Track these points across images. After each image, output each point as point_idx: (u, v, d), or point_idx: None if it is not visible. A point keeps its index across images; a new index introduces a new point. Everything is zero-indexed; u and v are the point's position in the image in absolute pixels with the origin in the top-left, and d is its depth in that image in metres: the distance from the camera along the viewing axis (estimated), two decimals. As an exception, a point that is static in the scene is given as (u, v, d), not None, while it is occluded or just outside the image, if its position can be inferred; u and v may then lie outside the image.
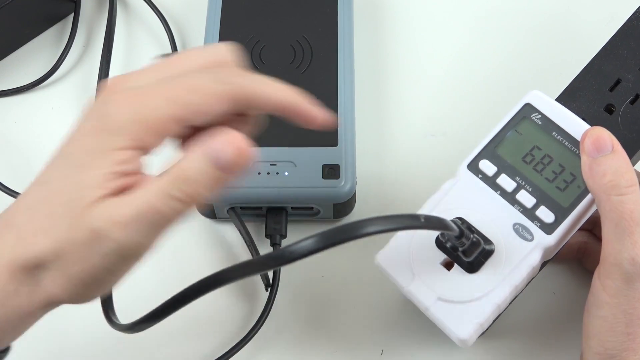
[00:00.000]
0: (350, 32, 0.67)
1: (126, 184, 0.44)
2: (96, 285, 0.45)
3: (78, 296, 0.46)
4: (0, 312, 0.44)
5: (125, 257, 0.44)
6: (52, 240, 0.44)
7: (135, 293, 0.60)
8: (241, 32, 0.67)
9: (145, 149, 0.45)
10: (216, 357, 0.58)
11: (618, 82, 0.55)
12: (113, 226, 0.43)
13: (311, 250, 0.42)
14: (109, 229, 0.43)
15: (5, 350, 0.48)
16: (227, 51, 0.49)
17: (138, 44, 0.73)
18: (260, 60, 0.66)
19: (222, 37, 0.67)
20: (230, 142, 0.44)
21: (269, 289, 0.60)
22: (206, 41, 0.67)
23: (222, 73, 0.46)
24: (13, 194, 0.65)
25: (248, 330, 0.59)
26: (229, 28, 0.68)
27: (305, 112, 0.49)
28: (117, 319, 0.56)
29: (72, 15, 0.73)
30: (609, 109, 0.54)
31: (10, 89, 0.70)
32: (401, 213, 0.46)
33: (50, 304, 0.46)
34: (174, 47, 0.71)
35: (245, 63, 0.49)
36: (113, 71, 0.70)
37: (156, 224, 0.44)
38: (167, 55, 0.51)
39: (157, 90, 0.45)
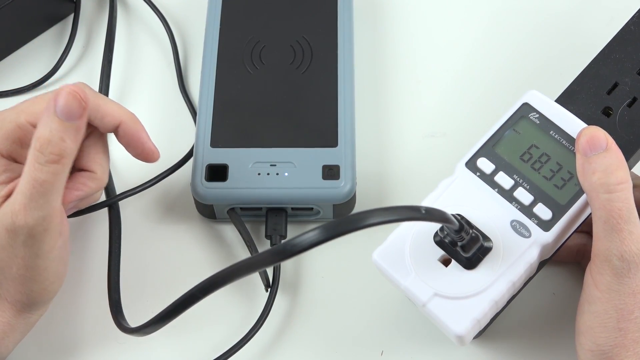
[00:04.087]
0: (350, 32, 0.68)
1: (13, 187, 0.51)
2: (38, 274, 0.52)
3: (28, 299, 0.53)
4: None
5: (39, 236, 0.51)
6: None
7: (136, 294, 0.61)
8: (241, 32, 0.67)
9: (10, 156, 0.54)
10: (216, 357, 0.58)
11: (616, 85, 0.55)
12: (16, 215, 0.49)
13: (314, 243, 0.42)
14: (15, 219, 0.49)
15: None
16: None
17: (138, 44, 0.73)
18: (260, 60, 0.66)
19: (222, 37, 0.67)
20: (62, 90, 0.50)
21: (269, 289, 0.60)
22: (206, 41, 0.67)
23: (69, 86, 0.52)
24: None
25: (248, 330, 0.59)
26: (229, 28, 0.68)
27: (137, 136, 0.56)
28: (126, 322, 0.56)
29: (72, 16, 0.73)
30: (607, 112, 0.55)
31: (10, 89, 0.70)
32: (402, 205, 0.46)
33: (21, 312, 0.53)
34: (174, 47, 0.71)
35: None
36: (114, 71, 0.70)
37: (46, 193, 0.50)
38: None
39: (10, 107, 0.54)
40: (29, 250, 0.51)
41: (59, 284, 0.54)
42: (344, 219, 0.43)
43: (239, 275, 0.45)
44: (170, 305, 0.48)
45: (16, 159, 0.54)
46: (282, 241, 0.61)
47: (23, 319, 0.54)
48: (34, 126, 0.52)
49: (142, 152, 0.57)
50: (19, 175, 0.51)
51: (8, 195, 0.51)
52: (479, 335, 0.57)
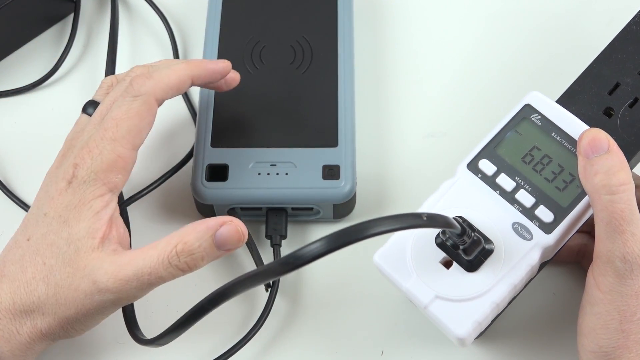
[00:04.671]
0: (350, 32, 0.68)
1: (110, 229, 0.52)
2: (83, 325, 0.53)
3: (65, 334, 0.53)
4: (6, 348, 0.52)
5: (118, 305, 0.53)
6: (52, 286, 0.51)
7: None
8: (241, 32, 0.67)
9: (116, 186, 0.54)
10: (216, 357, 0.58)
11: (617, 85, 0.55)
12: (115, 282, 0.50)
13: (318, 254, 0.43)
14: (111, 284, 0.50)
15: None
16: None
17: (139, 44, 0.73)
18: (260, 60, 0.66)
19: (222, 37, 0.67)
20: (236, 229, 0.50)
21: (269, 289, 0.60)
22: (206, 41, 0.67)
23: (131, 88, 0.55)
24: (13, 197, 0.65)
25: (248, 330, 0.59)
26: (229, 28, 0.68)
27: (209, 73, 0.58)
28: (142, 334, 0.57)
29: (72, 15, 0.73)
30: (608, 113, 0.55)
31: (10, 89, 0.70)
32: (406, 212, 0.46)
33: (46, 340, 0.53)
34: (175, 47, 0.71)
35: None
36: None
37: (154, 284, 0.51)
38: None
39: (98, 137, 0.53)
40: (99, 310, 0.52)
41: None
42: (347, 229, 0.43)
43: (246, 288, 0.46)
44: (181, 317, 0.49)
45: (110, 186, 0.53)
46: (283, 241, 0.61)
47: (45, 345, 0.54)
48: (134, 148, 0.54)
49: (220, 78, 0.60)
50: (113, 214, 0.53)
51: (104, 237, 0.52)
52: (479, 335, 0.57)
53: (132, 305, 0.58)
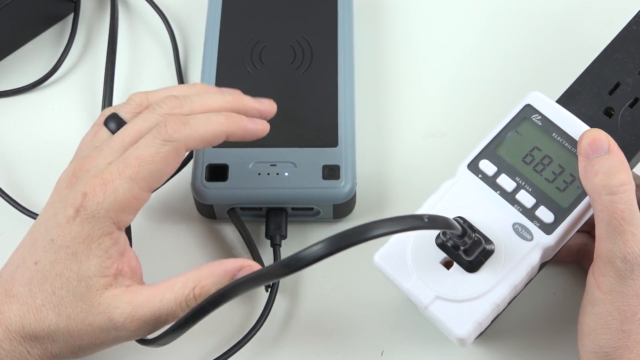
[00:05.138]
0: (350, 32, 0.68)
1: (121, 265, 0.52)
2: (94, 351, 0.53)
3: (75, 356, 0.53)
4: None
5: (133, 339, 0.52)
6: (63, 318, 0.51)
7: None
8: (241, 32, 0.67)
9: (125, 224, 0.52)
10: (216, 357, 0.58)
11: (617, 85, 0.55)
12: (132, 322, 0.50)
13: (320, 256, 0.43)
14: (128, 324, 0.50)
15: None
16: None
17: (140, 44, 0.73)
18: (260, 61, 0.66)
19: (222, 37, 0.67)
20: (251, 269, 0.51)
21: (269, 289, 0.60)
22: (206, 41, 0.67)
23: (164, 131, 0.52)
24: (11, 200, 0.64)
25: (248, 330, 0.59)
26: (229, 28, 0.68)
27: (244, 134, 0.55)
28: None
29: (72, 15, 0.73)
30: (609, 112, 0.55)
31: (10, 89, 0.70)
32: (407, 214, 0.46)
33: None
34: (175, 47, 0.71)
35: None
36: (118, 72, 0.70)
37: (170, 322, 0.51)
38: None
39: (116, 171, 0.51)
40: (112, 342, 0.52)
41: None
42: (349, 231, 0.43)
43: (247, 289, 0.46)
44: (182, 318, 0.49)
45: (119, 225, 0.52)
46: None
47: None
48: (150, 190, 0.52)
49: (255, 137, 0.56)
50: (123, 250, 0.52)
51: (116, 274, 0.51)
52: (479, 335, 0.57)
53: None
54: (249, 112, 0.57)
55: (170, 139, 0.52)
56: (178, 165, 0.53)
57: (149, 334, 0.52)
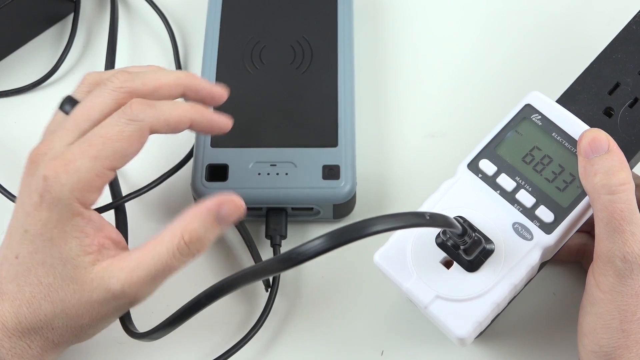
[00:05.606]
0: (350, 32, 0.68)
1: (102, 240, 0.51)
2: (96, 329, 0.53)
3: (77, 340, 0.53)
4: None
5: (134, 305, 0.52)
6: (58, 303, 0.51)
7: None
8: (241, 32, 0.67)
9: (91, 203, 0.52)
10: (216, 357, 0.58)
11: (617, 85, 0.55)
12: (131, 286, 0.50)
13: (319, 251, 0.43)
14: (127, 289, 0.50)
15: None
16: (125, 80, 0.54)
17: (139, 44, 0.73)
18: (260, 61, 0.66)
19: (222, 37, 0.67)
20: (235, 205, 0.51)
21: (269, 289, 0.60)
22: (206, 41, 0.67)
23: (129, 111, 0.52)
24: (13, 198, 0.65)
25: (248, 330, 0.59)
26: (229, 28, 0.68)
27: (209, 124, 0.55)
28: (134, 327, 0.57)
29: (72, 15, 0.73)
30: (608, 112, 0.55)
31: (10, 89, 0.70)
32: (406, 211, 0.46)
33: (58, 349, 0.53)
34: (175, 46, 0.71)
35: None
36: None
37: (167, 277, 0.51)
38: (66, 105, 0.55)
39: (78, 151, 0.51)
40: (114, 313, 0.52)
41: None
42: (349, 227, 0.43)
43: (245, 283, 0.46)
44: (177, 311, 0.49)
45: (85, 204, 0.52)
46: (284, 241, 0.61)
47: (57, 354, 0.54)
48: (113, 169, 0.52)
49: (217, 130, 0.57)
50: (99, 226, 0.52)
51: (99, 249, 0.51)
52: (479, 335, 0.57)
53: None
54: (200, 91, 0.56)
55: (135, 118, 0.51)
56: (142, 147, 0.53)
57: (149, 294, 0.51)
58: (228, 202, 0.50)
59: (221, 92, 0.57)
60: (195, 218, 0.50)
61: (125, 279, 0.50)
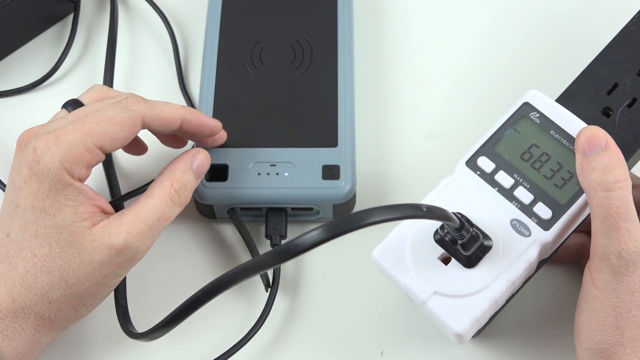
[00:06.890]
0: (350, 32, 0.68)
1: (96, 207, 0.53)
2: (95, 297, 0.54)
3: (75, 315, 0.54)
4: (10, 347, 0.51)
5: (135, 261, 0.54)
6: (55, 272, 0.52)
7: (136, 294, 0.60)
8: (241, 32, 0.67)
9: (80, 177, 0.53)
10: (216, 357, 0.58)
11: (615, 86, 0.55)
12: (133, 238, 0.52)
13: (316, 242, 0.43)
14: (130, 241, 0.52)
15: None
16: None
17: (139, 44, 0.73)
18: (260, 61, 0.66)
19: (222, 37, 0.67)
20: (207, 156, 0.57)
21: (269, 289, 0.60)
22: (206, 41, 0.67)
23: (124, 102, 0.55)
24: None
25: (248, 330, 0.59)
26: (229, 28, 0.68)
27: (200, 124, 0.59)
28: (133, 328, 0.56)
29: (72, 15, 0.73)
30: (607, 112, 0.55)
31: (10, 89, 0.70)
32: (404, 203, 0.46)
33: (53, 330, 0.53)
34: (175, 46, 0.71)
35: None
36: (117, 72, 0.70)
37: (163, 227, 0.55)
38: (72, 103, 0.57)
39: (71, 128, 0.53)
40: (116, 273, 0.53)
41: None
42: (345, 218, 0.43)
43: (243, 278, 0.45)
44: (176, 309, 0.49)
45: (74, 177, 0.53)
46: (284, 241, 0.61)
47: (51, 337, 0.54)
48: (102, 149, 0.53)
49: (208, 134, 0.60)
50: (92, 197, 0.53)
51: (94, 214, 0.53)
52: (478, 334, 0.57)
53: (125, 300, 0.58)
54: (201, 126, 0.59)
55: (129, 108, 0.55)
56: (132, 135, 0.55)
57: (149, 246, 0.54)
58: (199, 153, 0.57)
59: (216, 125, 0.60)
60: (178, 169, 0.55)
61: (127, 232, 0.52)
